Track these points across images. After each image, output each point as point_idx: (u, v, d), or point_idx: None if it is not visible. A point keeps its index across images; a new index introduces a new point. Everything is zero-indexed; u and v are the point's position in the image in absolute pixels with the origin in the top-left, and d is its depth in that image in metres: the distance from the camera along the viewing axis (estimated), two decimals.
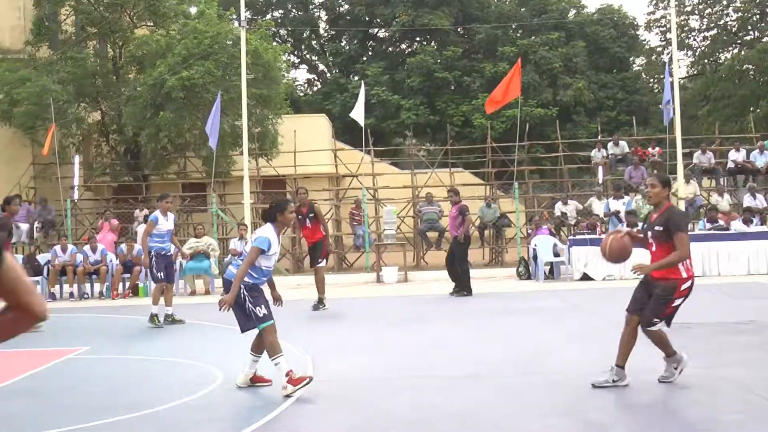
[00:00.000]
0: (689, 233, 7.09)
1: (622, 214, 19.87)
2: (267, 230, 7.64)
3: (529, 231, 21.24)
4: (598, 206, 21.20)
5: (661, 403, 6.81)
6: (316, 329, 12.06)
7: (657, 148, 24.69)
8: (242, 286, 7.44)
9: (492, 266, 21.95)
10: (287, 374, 7.33)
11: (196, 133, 24.14)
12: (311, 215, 13.85)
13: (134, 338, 11.78)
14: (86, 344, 11.07)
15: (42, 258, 19.08)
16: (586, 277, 17.82)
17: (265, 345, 7.48)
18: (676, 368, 7.21)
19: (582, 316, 12.07)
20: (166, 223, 12.78)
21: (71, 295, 17.88)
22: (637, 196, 21.38)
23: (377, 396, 7.47)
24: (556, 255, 18.72)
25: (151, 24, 26.36)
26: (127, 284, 18.34)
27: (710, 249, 18.07)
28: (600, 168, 24.47)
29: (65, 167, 23.66)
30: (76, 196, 24.55)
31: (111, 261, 18.43)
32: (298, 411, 7.02)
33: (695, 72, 46.23)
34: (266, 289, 7.90)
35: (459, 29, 41.29)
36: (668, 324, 7.25)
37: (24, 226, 22.53)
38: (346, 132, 35.30)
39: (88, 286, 18.31)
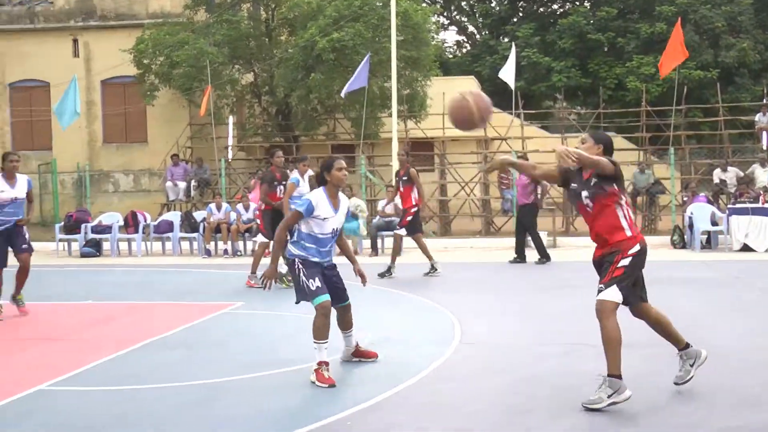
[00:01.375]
0: None
1: None
2: (313, 193, 7.00)
3: (685, 198, 20.39)
4: (761, 174, 20.09)
5: None
6: (462, 293, 12.00)
7: None
8: (297, 260, 6.90)
9: (644, 234, 21.16)
10: (319, 364, 6.67)
11: None
12: (405, 178, 13.77)
13: (286, 295, 11.90)
14: (240, 299, 11.39)
15: (198, 215, 19.75)
16: (746, 248, 16.95)
17: (312, 326, 6.78)
18: (610, 396, 5.90)
19: (739, 289, 11.49)
20: (304, 185, 12.89)
21: (225, 251, 18.42)
22: None
23: (524, 361, 7.41)
24: (714, 224, 17.89)
25: None
26: None
27: None
28: (764, 133, 23.11)
29: (220, 128, 24.41)
30: (230, 155, 25.33)
31: None
32: (442, 374, 7.00)
33: None
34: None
35: None
36: (625, 299, 6.10)
37: (181, 185, 23.56)
38: (495, 94, 34.70)
39: (241, 243, 18.80)
